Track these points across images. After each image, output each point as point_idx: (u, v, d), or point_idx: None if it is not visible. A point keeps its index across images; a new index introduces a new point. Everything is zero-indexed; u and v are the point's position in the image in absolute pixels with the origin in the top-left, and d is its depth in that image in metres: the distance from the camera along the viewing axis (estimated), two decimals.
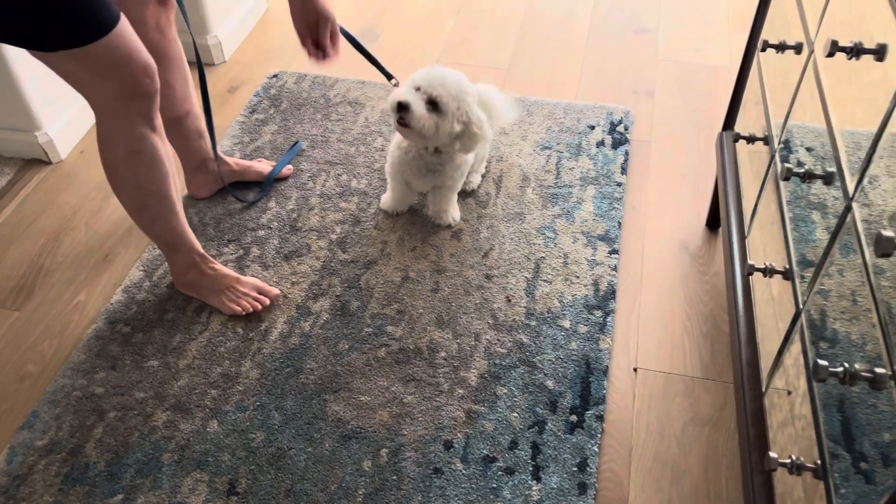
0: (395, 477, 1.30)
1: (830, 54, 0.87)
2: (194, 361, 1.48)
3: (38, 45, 1.13)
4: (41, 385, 1.47)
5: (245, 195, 1.82)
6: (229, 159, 1.81)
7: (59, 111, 1.98)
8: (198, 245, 1.54)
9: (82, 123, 2.05)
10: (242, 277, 1.57)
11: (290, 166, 1.89)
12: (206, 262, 1.55)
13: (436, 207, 1.74)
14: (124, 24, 1.19)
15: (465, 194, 1.82)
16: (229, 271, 1.57)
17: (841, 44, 0.87)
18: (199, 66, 1.50)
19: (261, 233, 1.75)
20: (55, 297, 1.64)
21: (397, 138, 1.67)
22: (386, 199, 1.78)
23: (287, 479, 1.30)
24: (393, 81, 1.61)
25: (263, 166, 1.85)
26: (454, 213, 1.74)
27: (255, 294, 1.56)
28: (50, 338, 1.56)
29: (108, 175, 1.37)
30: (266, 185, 1.83)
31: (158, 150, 1.34)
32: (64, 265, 1.71)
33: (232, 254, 1.69)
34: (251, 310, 1.54)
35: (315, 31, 1.45)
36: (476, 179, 1.83)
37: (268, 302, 1.56)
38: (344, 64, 2.30)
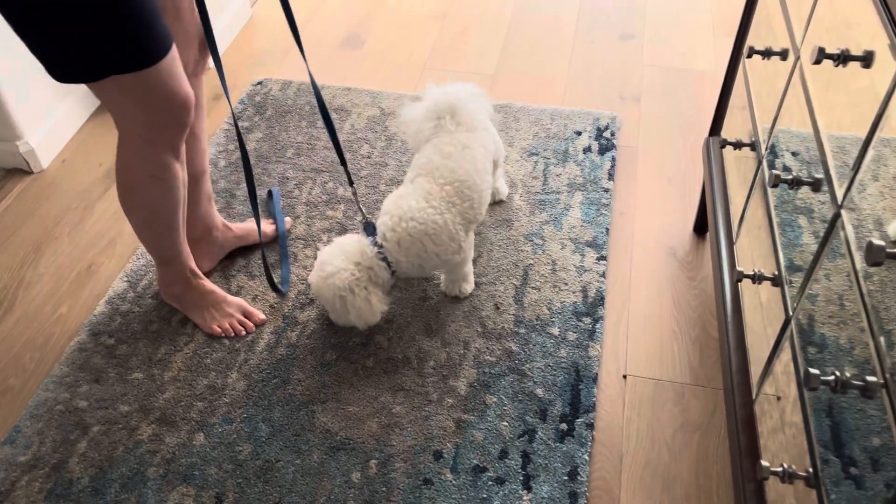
0: (384, 488, 1.28)
1: (817, 61, 0.87)
2: (180, 373, 1.46)
3: (88, 71, 1.10)
4: (23, 399, 1.44)
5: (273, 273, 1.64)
6: (232, 225, 1.67)
7: (41, 120, 1.95)
8: (191, 260, 1.51)
9: (64, 133, 2.03)
10: (229, 297, 1.54)
11: (287, 218, 1.76)
12: (196, 278, 1.52)
13: (447, 278, 1.59)
14: (175, 53, 1.17)
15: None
16: (216, 289, 1.54)
17: (828, 51, 0.87)
18: (227, 96, 1.42)
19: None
20: (37, 309, 1.61)
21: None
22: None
23: (275, 492, 1.28)
24: (351, 190, 1.53)
25: (263, 227, 1.70)
26: (466, 286, 1.59)
27: (239, 316, 1.53)
28: (32, 351, 1.53)
29: (122, 194, 1.34)
30: (284, 254, 1.69)
31: (178, 178, 1.33)
32: (45, 277, 1.68)
33: (218, 263, 1.67)
34: (232, 333, 1.52)
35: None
36: (504, 189, 1.79)
37: (252, 328, 1.53)
38: (329, 71, 2.29)
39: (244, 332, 1.52)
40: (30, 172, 1.95)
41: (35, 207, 1.85)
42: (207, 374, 1.46)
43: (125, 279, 1.65)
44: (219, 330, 1.51)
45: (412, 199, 1.43)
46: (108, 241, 1.76)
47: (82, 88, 2.09)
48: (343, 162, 1.51)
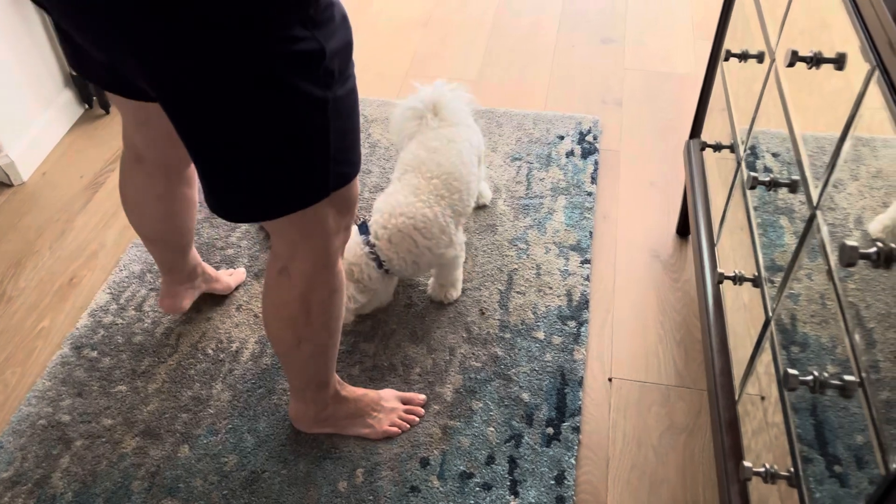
0: (371, 497, 1.28)
1: (791, 64, 0.88)
2: (164, 385, 1.45)
3: (323, 191, 0.98)
4: (5, 415, 1.43)
5: None
6: (207, 266, 1.59)
7: (21, 133, 1.94)
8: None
9: (45, 145, 2.02)
10: (381, 392, 1.40)
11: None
12: (344, 387, 1.35)
13: (436, 281, 1.58)
14: None
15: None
16: (363, 389, 1.39)
17: (801, 53, 0.88)
18: None
19: (230, 251, 1.72)
20: (18, 323, 1.60)
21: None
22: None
23: (261, 502, 1.28)
24: (359, 222, 1.46)
25: (231, 280, 1.63)
26: (453, 291, 1.58)
27: (400, 405, 1.38)
28: (13, 366, 1.52)
29: (293, 328, 1.15)
30: None
31: (345, 283, 1.20)
32: (27, 290, 1.67)
33: None
34: (408, 427, 1.37)
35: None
36: (487, 193, 1.79)
37: (422, 412, 1.39)
38: None
39: (417, 420, 1.38)
40: (10, 185, 1.93)
41: (15, 221, 1.84)
42: (192, 386, 1.45)
43: (108, 291, 1.63)
44: (396, 430, 1.36)
45: (400, 195, 1.45)
46: (90, 253, 1.75)
47: (62, 99, 2.07)
48: None
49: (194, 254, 1.52)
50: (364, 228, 1.45)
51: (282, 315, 1.15)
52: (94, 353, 1.51)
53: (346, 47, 0.92)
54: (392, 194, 1.47)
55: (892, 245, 0.63)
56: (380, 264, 1.44)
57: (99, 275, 1.69)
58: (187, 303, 1.56)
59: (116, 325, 1.57)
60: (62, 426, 1.39)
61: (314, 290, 1.12)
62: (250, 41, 0.83)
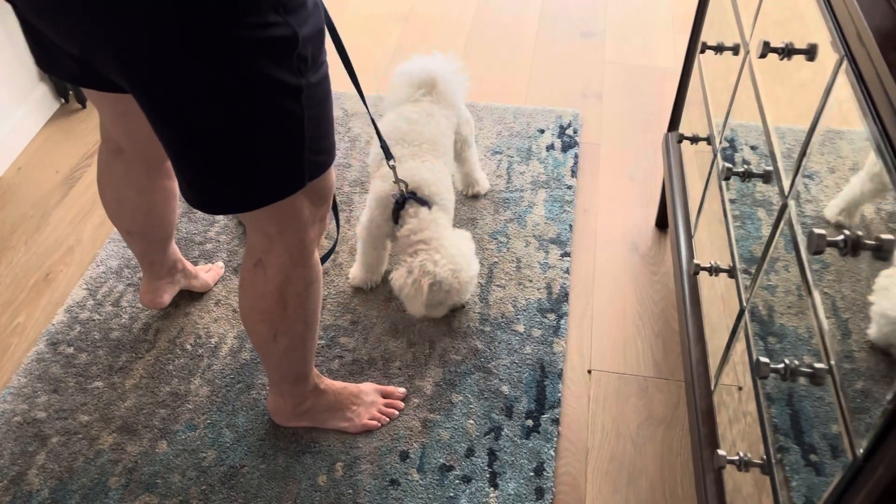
0: (350, 490, 1.28)
1: (763, 55, 0.88)
2: (141, 381, 1.44)
3: (299, 181, 0.98)
4: None
5: None
6: (186, 262, 1.57)
7: None
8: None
9: (20, 140, 1.99)
10: (360, 385, 1.39)
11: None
12: (322, 380, 1.34)
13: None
14: None
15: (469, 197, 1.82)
16: (342, 383, 1.39)
17: (773, 45, 0.89)
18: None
19: (208, 246, 1.71)
20: None
21: (376, 197, 1.49)
22: (357, 273, 1.60)
23: (240, 497, 1.27)
24: (391, 163, 1.42)
25: (209, 277, 1.62)
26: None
27: (380, 399, 1.38)
28: None
29: (269, 321, 1.14)
30: None
31: (321, 275, 1.18)
32: (2, 286, 1.65)
33: None
34: (388, 420, 1.37)
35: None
36: (484, 183, 1.81)
37: (402, 406, 1.39)
38: None
39: (397, 414, 1.38)
40: None
41: None
42: (170, 381, 1.44)
43: (84, 287, 1.62)
44: (376, 423, 1.36)
45: (413, 162, 1.49)
46: (66, 248, 1.73)
47: (38, 93, 2.05)
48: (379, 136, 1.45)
49: (174, 248, 1.51)
50: (423, 200, 1.45)
51: (258, 308, 1.14)
52: (71, 350, 1.50)
53: (319, 34, 0.92)
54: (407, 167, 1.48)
55: (859, 233, 0.63)
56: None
57: (75, 270, 1.68)
58: (167, 298, 1.54)
59: (93, 320, 1.55)
60: (38, 423, 1.38)
61: (290, 283, 1.11)
62: (224, 27, 0.82)
